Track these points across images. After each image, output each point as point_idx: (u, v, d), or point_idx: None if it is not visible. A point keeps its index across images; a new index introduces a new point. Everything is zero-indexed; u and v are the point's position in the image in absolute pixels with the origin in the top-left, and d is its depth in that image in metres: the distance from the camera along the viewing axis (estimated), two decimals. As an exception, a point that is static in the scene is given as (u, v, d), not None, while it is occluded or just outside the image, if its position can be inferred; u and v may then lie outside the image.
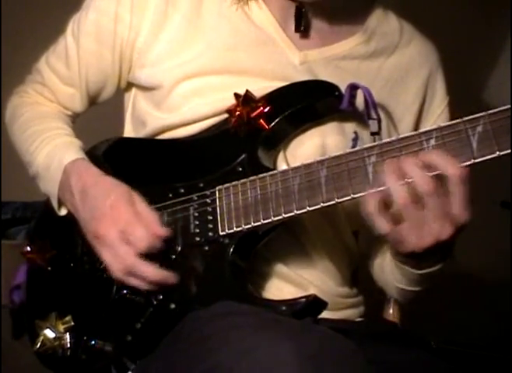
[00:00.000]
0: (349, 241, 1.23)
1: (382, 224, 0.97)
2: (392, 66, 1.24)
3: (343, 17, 1.23)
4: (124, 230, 1.08)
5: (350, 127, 1.17)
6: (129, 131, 1.29)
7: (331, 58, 1.21)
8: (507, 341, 1.95)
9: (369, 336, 1.15)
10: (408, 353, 1.10)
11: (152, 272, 1.09)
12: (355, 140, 1.14)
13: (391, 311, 1.39)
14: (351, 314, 1.24)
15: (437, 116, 1.27)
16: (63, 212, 1.22)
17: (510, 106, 0.94)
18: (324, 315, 1.16)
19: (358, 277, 1.33)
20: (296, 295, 1.07)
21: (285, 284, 1.16)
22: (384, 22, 1.26)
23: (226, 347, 0.90)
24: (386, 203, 0.98)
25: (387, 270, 1.23)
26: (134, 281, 1.09)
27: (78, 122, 1.36)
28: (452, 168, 0.94)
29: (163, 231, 1.09)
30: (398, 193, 0.95)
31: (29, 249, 1.27)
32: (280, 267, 1.16)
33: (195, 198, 1.13)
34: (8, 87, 1.40)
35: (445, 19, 2.04)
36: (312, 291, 1.16)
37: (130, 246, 1.08)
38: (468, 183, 0.95)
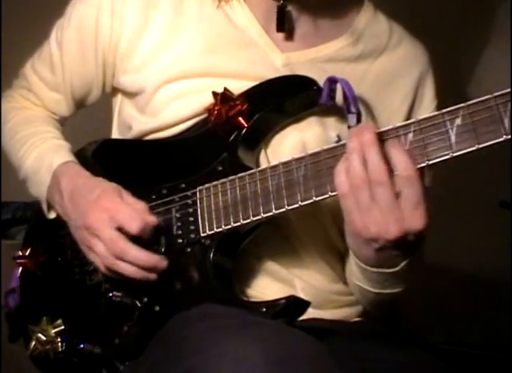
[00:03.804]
0: (337, 239, 1.21)
1: (342, 183, 0.95)
2: (379, 68, 1.22)
3: (329, 18, 1.22)
4: (113, 216, 1.08)
5: (331, 123, 1.15)
6: (116, 135, 1.30)
7: (316, 61, 1.20)
8: (507, 341, 1.94)
9: (368, 336, 1.14)
10: (407, 353, 1.08)
11: (143, 255, 1.08)
12: (339, 141, 1.10)
13: (390, 311, 1.39)
14: (348, 313, 1.22)
15: None
16: (52, 215, 1.22)
17: (489, 95, 0.91)
18: (321, 314, 1.17)
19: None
20: (286, 293, 1.06)
21: (275, 282, 1.16)
22: (373, 24, 1.24)
23: (198, 351, 0.89)
24: None
25: (350, 269, 1.19)
26: (123, 267, 1.08)
27: (67, 125, 1.37)
28: (402, 167, 0.93)
29: (151, 218, 1.09)
30: (355, 173, 0.94)
31: (20, 254, 1.28)
32: (270, 265, 1.16)
33: (177, 199, 1.13)
34: (8, 89, 1.40)
35: (434, 18, 2.04)
36: (303, 287, 1.16)
37: (120, 231, 1.08)
38: (418, 189, 0.93)
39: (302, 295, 1.12)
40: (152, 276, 1.09)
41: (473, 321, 2.11)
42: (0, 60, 2.04)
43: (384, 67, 1.23)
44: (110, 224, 1.08)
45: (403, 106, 1.23)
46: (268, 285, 1.16)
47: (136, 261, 1.08)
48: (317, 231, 1.18)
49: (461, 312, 2.12)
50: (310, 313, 1.13)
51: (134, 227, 1.07)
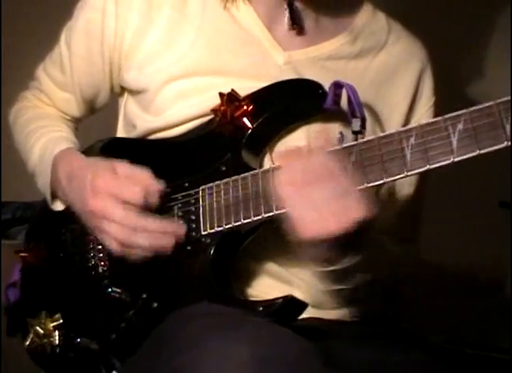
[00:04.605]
0: None
1: (284, 194, 0.97)
2: (379, 65, 1.23)
3: (330, 16, 1.22)
4: (113, 193, 1.08)
5: (336, 128, 1.15)
6: (122, 134, 1.31)
7: (317, 58, 1.20)
8: (507, 341, 1.94)
9: (366, 337, 1.15)
10: (405, 353, 1.09)
11: (162, 222, 1.08)
12: (341, 141, 1.09)
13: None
14: (347, 313, 1.23)
15: (421, 115, 1.25)
16: (57, 207, 1.23)
17: (492, 102, 0.92)
18: (320, 313, 1.17)
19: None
20: (286, 293, 1.07)
21: (274, 282, 1.16)
22: (372, 21, 1.25)
23: (186, 350, 0.91)
24: None
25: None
26: (141, 239, 1.07)
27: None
28: (320, 167, 0.95)
29: (154, 184, 1.09)
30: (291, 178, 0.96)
31: (23, 248, 1.29)
32: (269, 265, 1.16)
33: (180, 198, 1.14)
34: (8, 89, 1.41)
35: (433, 16, 2.04)
36: (302, 287, 1.17)
37: (126, 205, 1.07)
38: (340, 182, 0.94)
39: (301, 295, 1.12)
40: (170, 244, 1.08)
41: (473, 321, 2.11)
42: (0, 61, 2.04)
43: (383, 64, 1.24)
44: (114, 203, 1.07)
45: (403, 103, 1.24)
46: (267, 285, 1.16)
47: (156, 229, 1.07)
48: None
49: (461, 312, 2.11)
50: (310, 312, 1.14)
51: (138, 201, 1.07)
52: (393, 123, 1.22)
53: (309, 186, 0.95)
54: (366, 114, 1.12)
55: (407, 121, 1.24)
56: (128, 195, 1.07)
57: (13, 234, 1.87)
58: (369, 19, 1.25)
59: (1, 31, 2.05)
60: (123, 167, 1.12)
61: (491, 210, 2.03)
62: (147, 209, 1.08)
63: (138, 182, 1.09)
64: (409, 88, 1.24)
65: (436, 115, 1.23)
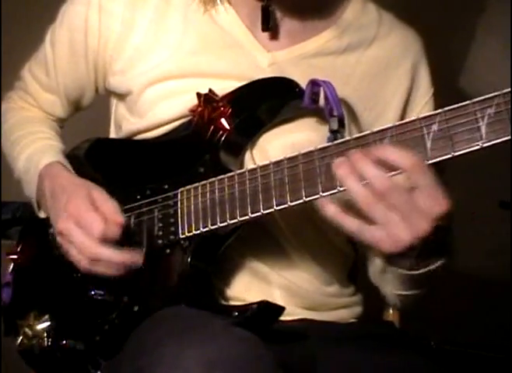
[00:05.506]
0: (336, 240, 1.21)
1: (349, 226, 0.92)
2: (371, 59, 1.21)
3: (316, 12, 1.20)
4: (78, 221, 1.09)
5: (321, 124, 1.13)
6: (112, 135, 1.31)
7: (302, 57, 1.19)
8: (507, 341, 1.94)
9: (357, 338, 1.13)
10: (403, 355, 1.07)
11: (116, 255, 1.08)
12: (332, 140, 1.06)
13: (390, 311, 1.39)
14: (345, 315, 1.23)
15: (421, 107, 1.23)
16: (41, 214, 1.24)
17: (468, 102, 0.90)
18: (313, 315, 1.17)
19: (356, 276, 1.32)
20: (268, 295, 1.08)
21: (260, 284, 1.16)
22: (361, 14, 1.23)
23: (144, 354, 0.92)
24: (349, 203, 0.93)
25: (384, 278, 1.15)
26: (101, 268, 1.08)
27: (66, 126, 1.39)
28: (405, 161, 0.89)
29: (117, 218, 1.09)
30: (359, 195, 0.90)
31: (12, 250, 1.30)
32: (256, 265, 1.15)
33: (160, 200, 1.13)
34: (8, 89, 1.41)
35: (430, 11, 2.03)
36: (295, 290, 1.16)
37: (87, 234, 1.08)
38: (429, 172, 0.89)
39: (283, 295, 1.13)
40: (131, 272, 1.09)
41: (473, 321, 2.10)
42: (0, 61, 2.04)
43: (375, 58, 1.22)
44: (77, 228, 1.09)
45: (398, 96, 1.22)
46: (250, 286, 1.15)
47: (111, 261, 1.08)
48: (311, 233, 1.18)
49: (461, 312, 2.11)
50: (300, 314, 1.15)
51: (97, 232, 1.07)
52: (388, 118, 1.20)
53: (392, 190, 0.89)
54: (347, 118, 1.11)
55: (404, 113, 1.22)
56: (89, 226, 1.08)
57: (13, 234, 1.86)
58: (358, 12, 1.23)
59: (1, 31, 2.05)
60: (97, 195, 1.12)
61: (491, 210, 2.02)
62: (110, 240, 1.08)
63: (101, 210, 1.09)
64: (404, 82, 1.22)
65: (436, 106, 1.21)
